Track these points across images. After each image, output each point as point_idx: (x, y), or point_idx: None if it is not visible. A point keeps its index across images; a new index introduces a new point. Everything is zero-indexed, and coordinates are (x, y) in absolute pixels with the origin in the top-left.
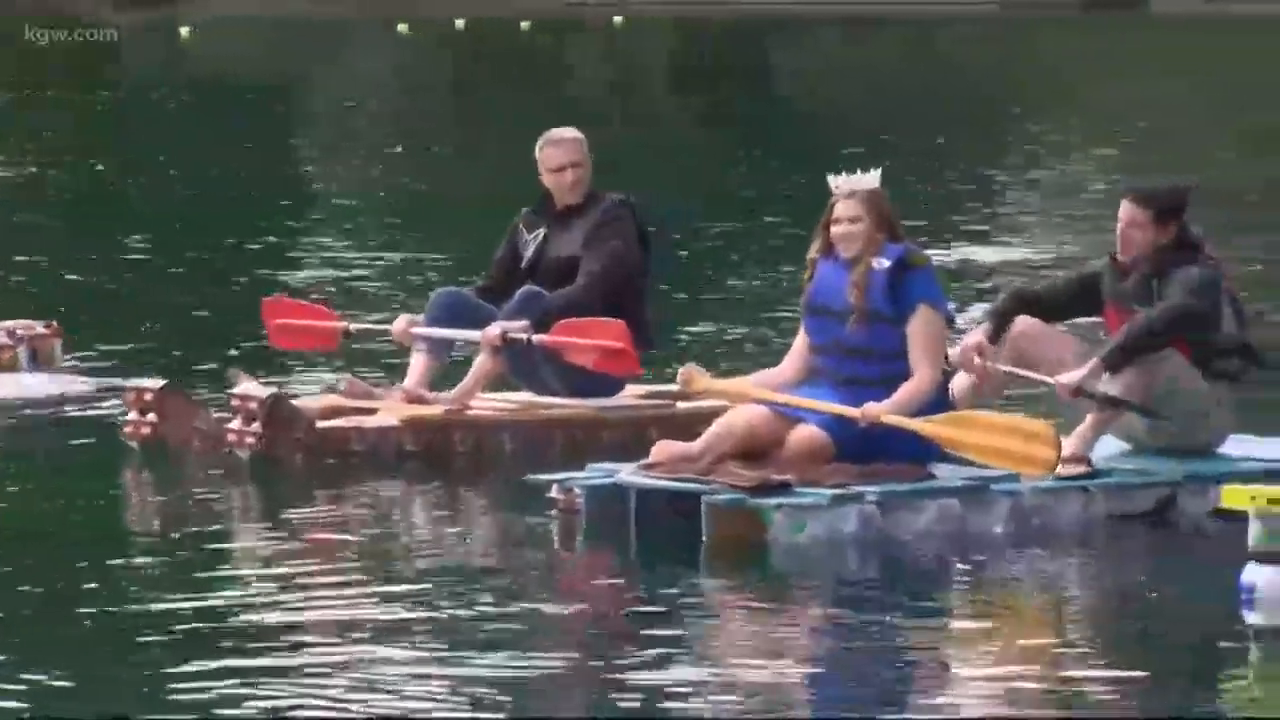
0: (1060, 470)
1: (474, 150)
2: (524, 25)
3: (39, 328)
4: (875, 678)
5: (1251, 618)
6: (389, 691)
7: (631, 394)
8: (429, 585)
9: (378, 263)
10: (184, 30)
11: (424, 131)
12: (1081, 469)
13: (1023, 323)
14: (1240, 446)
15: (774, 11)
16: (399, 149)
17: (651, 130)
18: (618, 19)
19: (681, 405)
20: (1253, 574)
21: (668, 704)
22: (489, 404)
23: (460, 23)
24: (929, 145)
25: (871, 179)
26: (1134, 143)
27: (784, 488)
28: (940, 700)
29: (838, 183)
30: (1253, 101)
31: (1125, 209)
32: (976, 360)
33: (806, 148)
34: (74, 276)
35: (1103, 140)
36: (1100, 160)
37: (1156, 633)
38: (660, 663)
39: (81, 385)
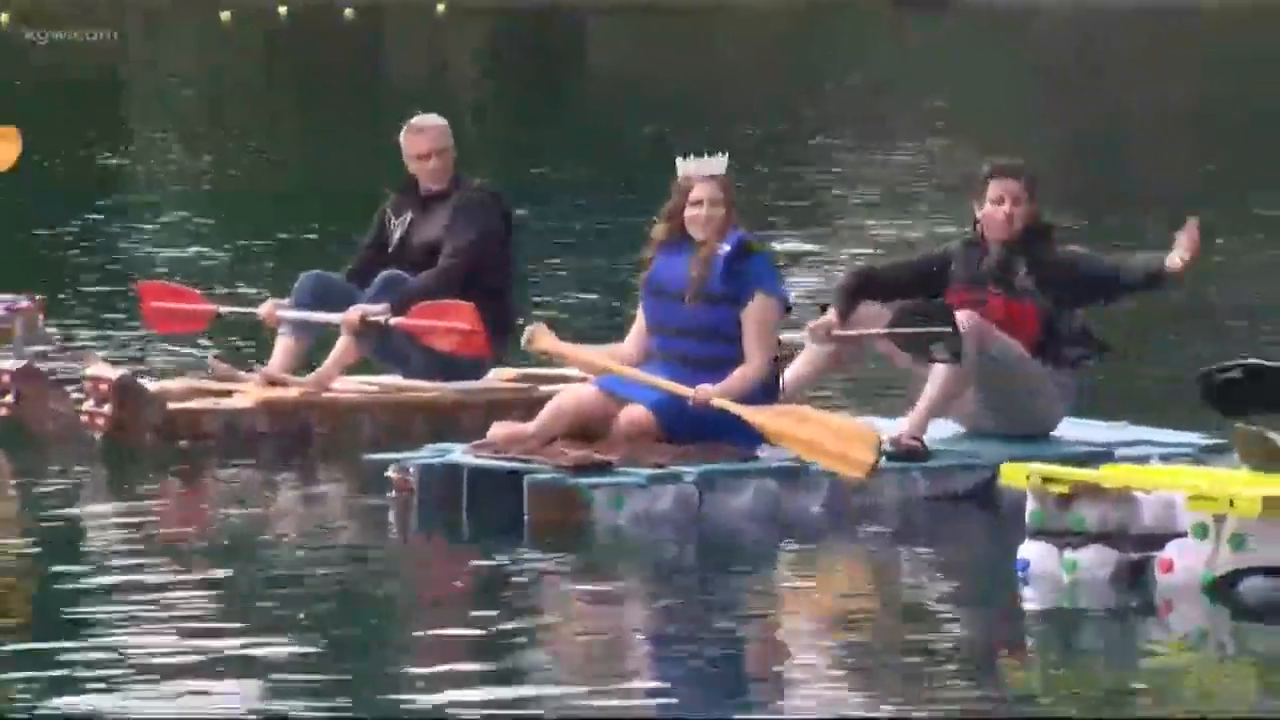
0: (895, 448)
1: (304, 138)
2: (347, 13)
3: (23, 301)
4: (688, 657)
5: (1027, 593)
6: (212, 678)
7: (497, 377)
8: (257, 570)
9: (228, 249)
10: (3, 16)
11: (252, 119)
12: (916, 448)
13: (867, 311)
14: (1075, 430)
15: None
16: (227, 136)
17: (472, 116)
18: (440, 6)
19: (544, 389)
20: (1027, 551)
21: (486, 692)
22: (350, 387)
23: (283, 10)
24: (748, 132)
25: (720, 163)
26: (954, 131)
27: (604, 467)
28: (738, 681)
29: (691, 166)
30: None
31: (1002, 186)
32: (830, 334)
33: (625, 133)
34: None
35: (925, 129)
36: (923, 148)
37: (944, 609)
38: (474, 653)
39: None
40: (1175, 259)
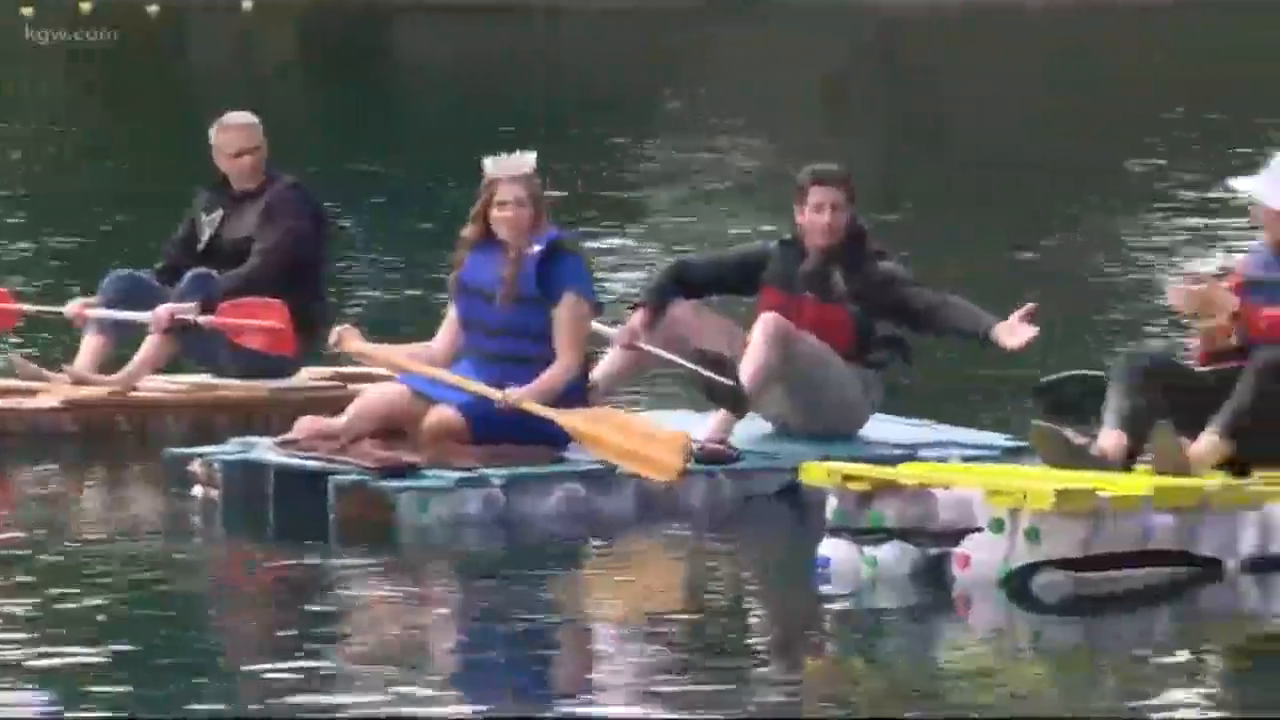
0: (701, 452)
1: (110, 135)
2: (151, 9)
3: None
4: (493, 659)
5: (826, 589)
6: (8, 683)
7: (309, 376)
8: (59, 571)
9: (34, 248)
10: None
11: (55, 115)
12: (721, 451)
13: (679, 308)
14: (881, 430)
15: None
16: (30, 132)
17: (282, 113)
18: (246, 3)
19: (355, 388)
20: (828, 548)
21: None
22: (158, 386)
23: (86, 6)
24: (565, 132)
25: (529, 161)
26: (767, 129)
27: (411, 469)
28: (543, 682)
29: (499, 165)
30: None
31: (822, 193)
32: (634, 344)
33: (432, 132)
34: None
35: (736, 127)
36: (734, 144)
37: (747, 608)
38: (276, 654)
39: None
40: (1008, 339)
